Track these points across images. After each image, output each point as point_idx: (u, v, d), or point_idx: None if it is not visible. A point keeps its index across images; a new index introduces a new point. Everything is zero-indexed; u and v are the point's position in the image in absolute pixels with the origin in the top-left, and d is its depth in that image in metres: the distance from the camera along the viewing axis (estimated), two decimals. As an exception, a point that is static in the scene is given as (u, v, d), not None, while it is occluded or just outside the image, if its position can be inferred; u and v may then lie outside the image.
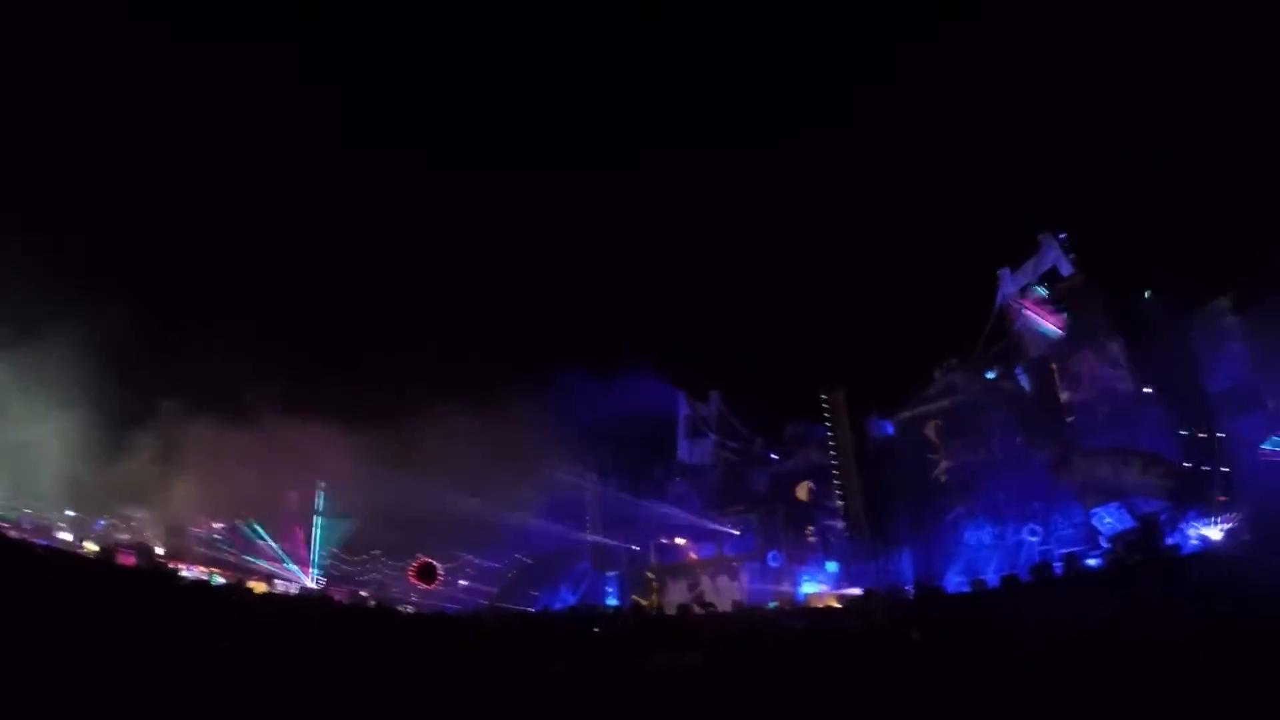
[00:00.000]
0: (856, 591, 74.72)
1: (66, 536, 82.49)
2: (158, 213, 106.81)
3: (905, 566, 78.27)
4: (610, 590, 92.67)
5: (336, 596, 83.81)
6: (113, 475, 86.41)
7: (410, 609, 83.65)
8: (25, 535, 78.95)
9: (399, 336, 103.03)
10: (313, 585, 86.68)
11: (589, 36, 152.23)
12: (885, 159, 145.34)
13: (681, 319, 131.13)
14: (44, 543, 77.65)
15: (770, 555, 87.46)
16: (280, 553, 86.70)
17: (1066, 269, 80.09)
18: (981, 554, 74.15)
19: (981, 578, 67.43)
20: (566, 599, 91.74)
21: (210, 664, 35.36)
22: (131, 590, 61.60)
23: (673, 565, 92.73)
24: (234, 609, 65.17)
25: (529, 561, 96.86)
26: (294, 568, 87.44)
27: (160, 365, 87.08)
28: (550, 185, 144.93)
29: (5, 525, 78.66)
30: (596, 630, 69.03)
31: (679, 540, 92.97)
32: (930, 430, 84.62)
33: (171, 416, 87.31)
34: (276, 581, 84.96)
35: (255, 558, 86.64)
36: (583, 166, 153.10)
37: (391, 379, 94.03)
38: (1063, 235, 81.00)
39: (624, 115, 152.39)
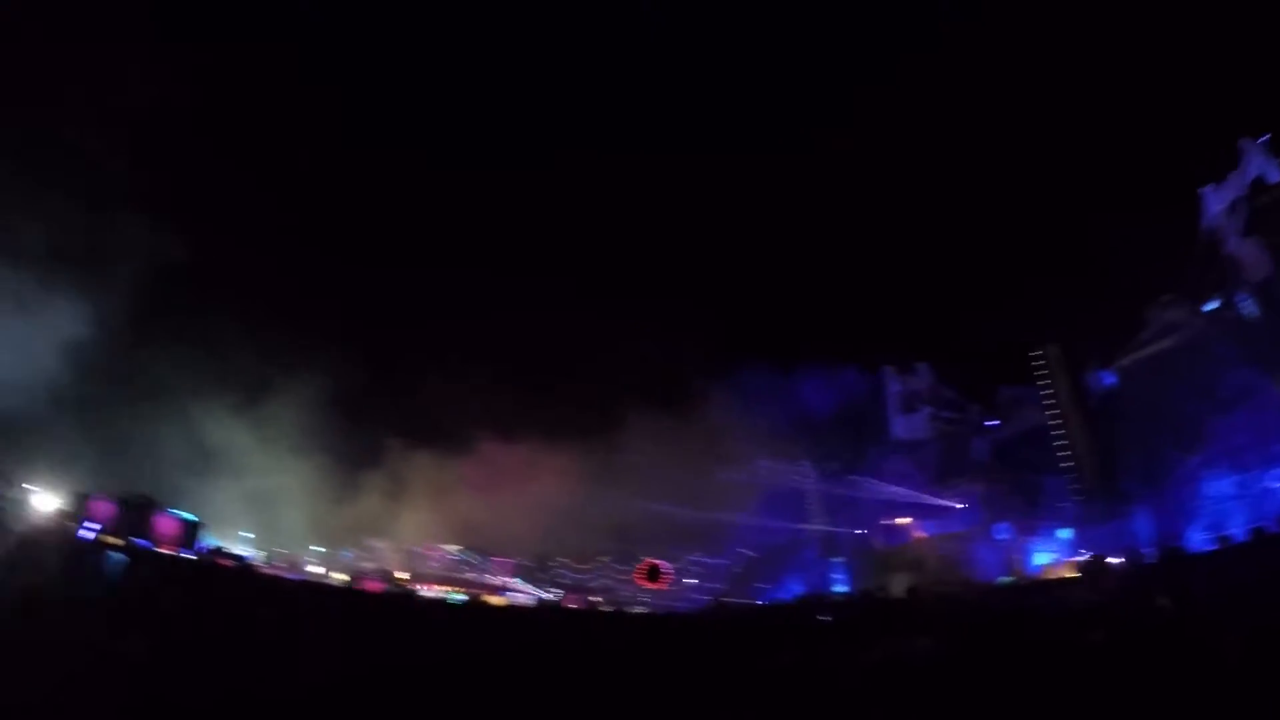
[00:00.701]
0: (1091, 558, 69.37)
1: (317, 569, 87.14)
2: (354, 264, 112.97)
3: (1143, 526, 71.77)
4: (838, 577, 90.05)
5: (571, 604, 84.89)
6: (352, 511, 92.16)
7: (641, 610, 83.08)
8: (278, 571, 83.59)
9: (593, 354, 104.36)
10: (547, 595, 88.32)
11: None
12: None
13: (871, 298, 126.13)
14: (295, 576, 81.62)
15: (998, 527, 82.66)
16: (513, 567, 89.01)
17: (1276, 174, 71.59)
18: (1224, 506, 67.12)
19: (1227, 533, 61.30)
20: (794, 589, 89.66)
21: (524, 677, 35.43)
22: (377, 612, 63.66)
23: (899, 547, 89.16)
24: (474, 623, 66.32)
25: (754, 556, 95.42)
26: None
27: (382, 406, 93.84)
28: (709, 181, 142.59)
29: (260, 564, 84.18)
30: (827, 619, 66.45)
31: (902, 520, 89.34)
32: (1153, 374, 77.78)
33: (398, 452, 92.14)
34: (512, 594, 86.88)
35: (490, 574, 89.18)
36: (746, 153, 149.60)
37: (593, 395, 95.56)
38: (1266, 137, 72.63)
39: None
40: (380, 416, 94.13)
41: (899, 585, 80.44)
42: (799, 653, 44.37)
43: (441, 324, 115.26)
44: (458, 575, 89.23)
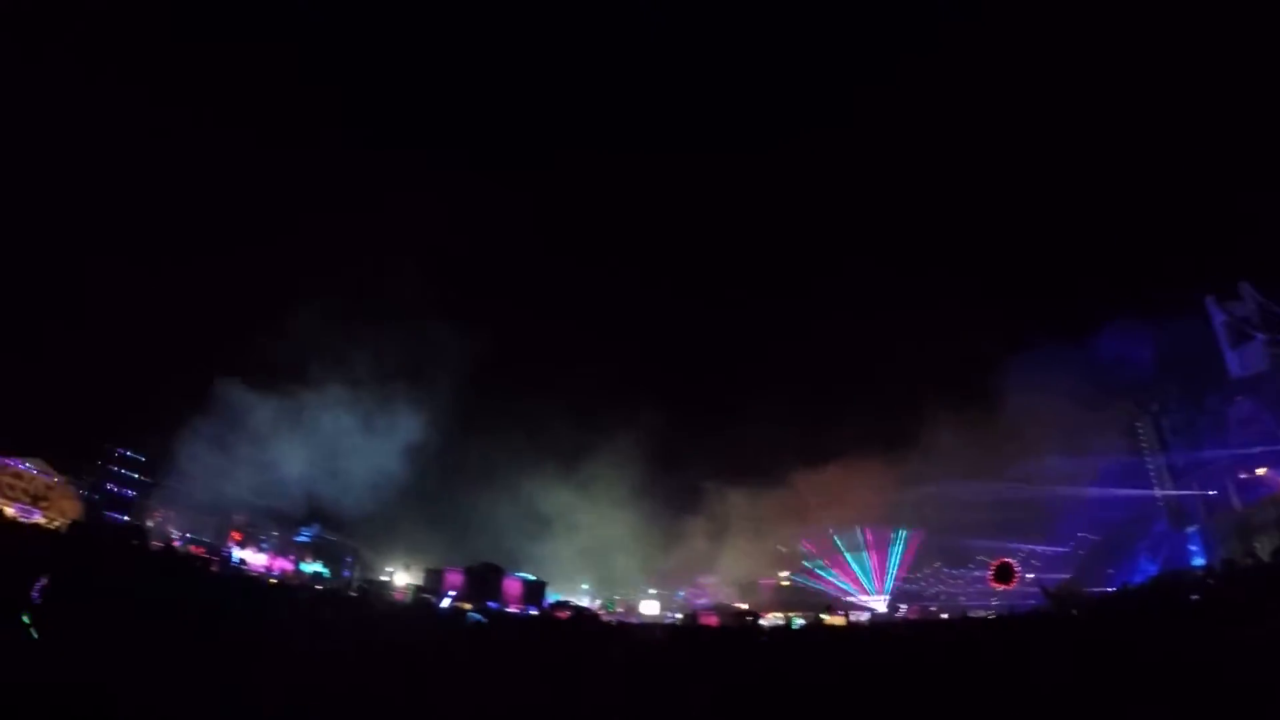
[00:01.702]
0: None
1: (651, 610, 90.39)
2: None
3: None
4: (1193, 549, 78.77)
5: (908, 615, 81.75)
6: (680, 552, 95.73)
7: (986, 613, 78.22)
8: (619, 618, 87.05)
9: (881, 359, 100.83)
10: (883, 609, 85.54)
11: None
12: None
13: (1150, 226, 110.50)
14: (635, 620, 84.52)
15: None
16: (845, 586, 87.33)
17: None
18: None
19: None
20: (1147, 569, 79.50)
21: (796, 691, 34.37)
22: (717, 644, 64.29)
23: (1260, 503, 76.09)
24: (813, 644, 65.36)
25: (1096, 539, 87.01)
26: (863, 597, 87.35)
27: (693, 450, 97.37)
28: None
29: (603, 612, 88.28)
30: (1194, 597, 58.15)
31: (1260, 470, 76.30)
32: None
33: (715, 492, 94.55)
34: (851, 613, 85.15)
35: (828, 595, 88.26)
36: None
37: (891, 400, 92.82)
38: None
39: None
40: (693, 460, 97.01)
41: (1267, 548, 69.06)
42: (1173, 637, 38.89)
43: (729, 360, 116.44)
44: (792, 600, 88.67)
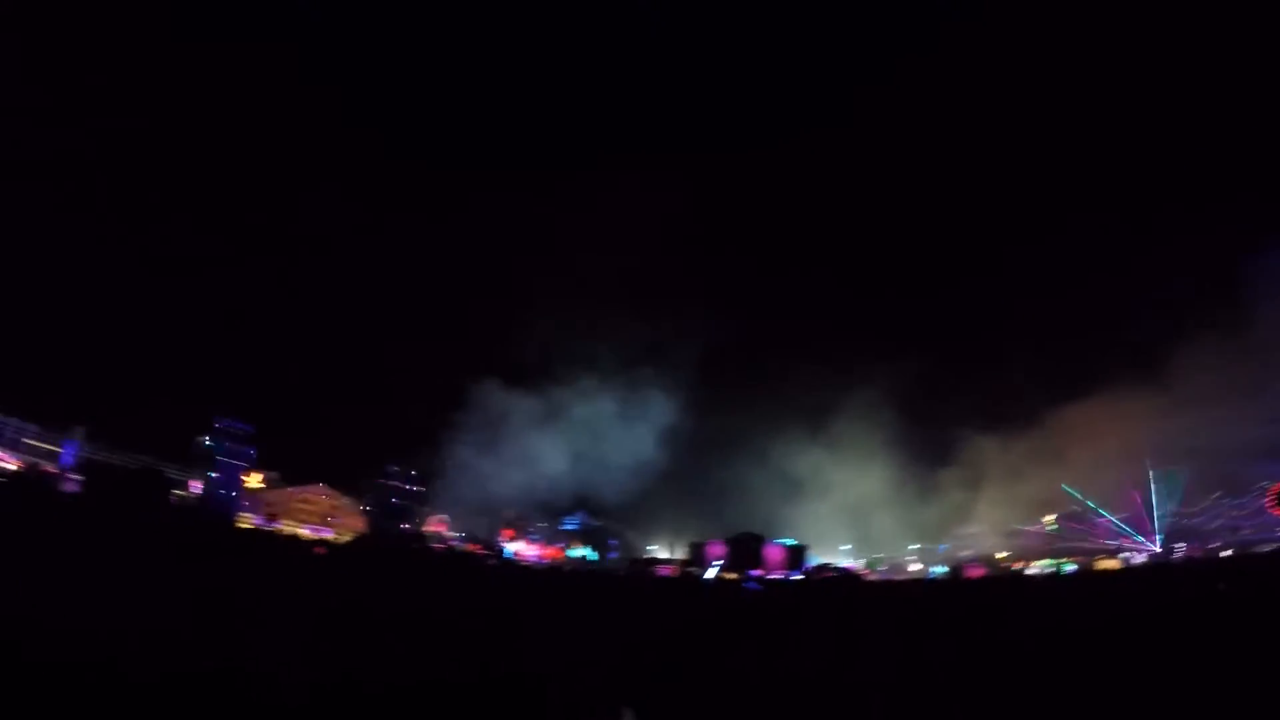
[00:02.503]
0: None
1: (915, 566, 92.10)
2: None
3: None
4: None
5: (1187, 554, 79.87)
6: (938, 505, 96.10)
7: (1271, 548, 74.39)
8: (884, 576, 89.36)
9: (1126, 294, 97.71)
10: (1157, 550, 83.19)
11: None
12: None
13: None
14: (898, 578, 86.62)
15: None
16: (1122, 527, 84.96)
17: None
18: None
19: None
20: None
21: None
22: (985, 594, 63.88)
23: None
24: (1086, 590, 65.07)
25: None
26: (1140, 538, 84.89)
27: (941, 401, 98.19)
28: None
29: (867, 571, 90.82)
30: None
31: None
32: None
33: (968, 441, 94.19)
34: (1123, 555, 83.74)
35: (1097, 539, 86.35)
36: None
37: (1137, 335, 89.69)
38: None
39: None
40: (944, 411, 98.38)
41: None
42: None
43: (975, 310, 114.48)
44: (1060, 545, 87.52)
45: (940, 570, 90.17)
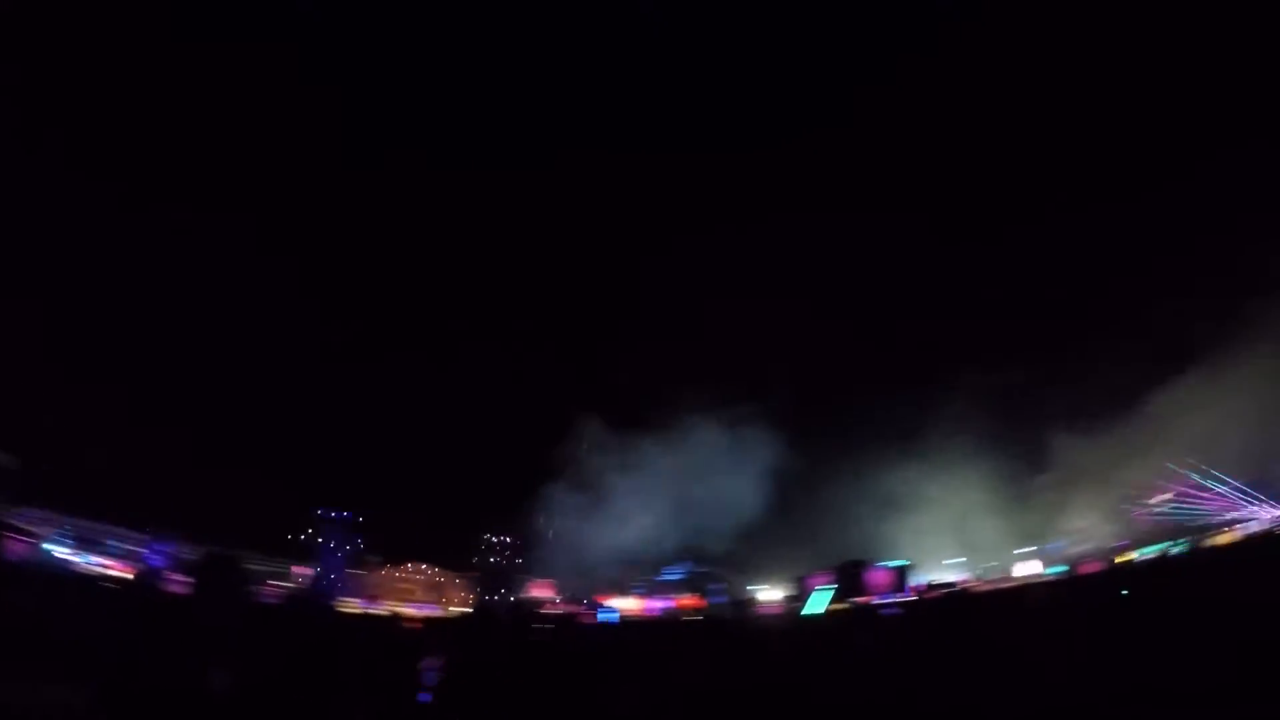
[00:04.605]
0: None
1: (1031, 568, 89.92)
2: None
3: None
4: None
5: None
6: (1040, 505, 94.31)
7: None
8: (995, 585, 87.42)
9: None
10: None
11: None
12: None
13: None
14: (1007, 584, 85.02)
15: None
16: (1249, 492, 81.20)
17: None
18: None
19: None
20: None
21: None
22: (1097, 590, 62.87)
23: None
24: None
25: None
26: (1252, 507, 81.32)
27: (1034, 400, 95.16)
28: None
29: (978, 582, 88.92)
30: None
31: None
32: None
33: (1062, 437, 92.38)
34: (1243, 526, 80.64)
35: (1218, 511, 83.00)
36: None
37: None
38: None
39: None
40: (1036, 410, 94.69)
41: None
42: None
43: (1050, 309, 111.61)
44: (1172, 528, 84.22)
45: (1058, 570, 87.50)
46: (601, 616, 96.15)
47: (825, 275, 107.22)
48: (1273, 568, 51.57)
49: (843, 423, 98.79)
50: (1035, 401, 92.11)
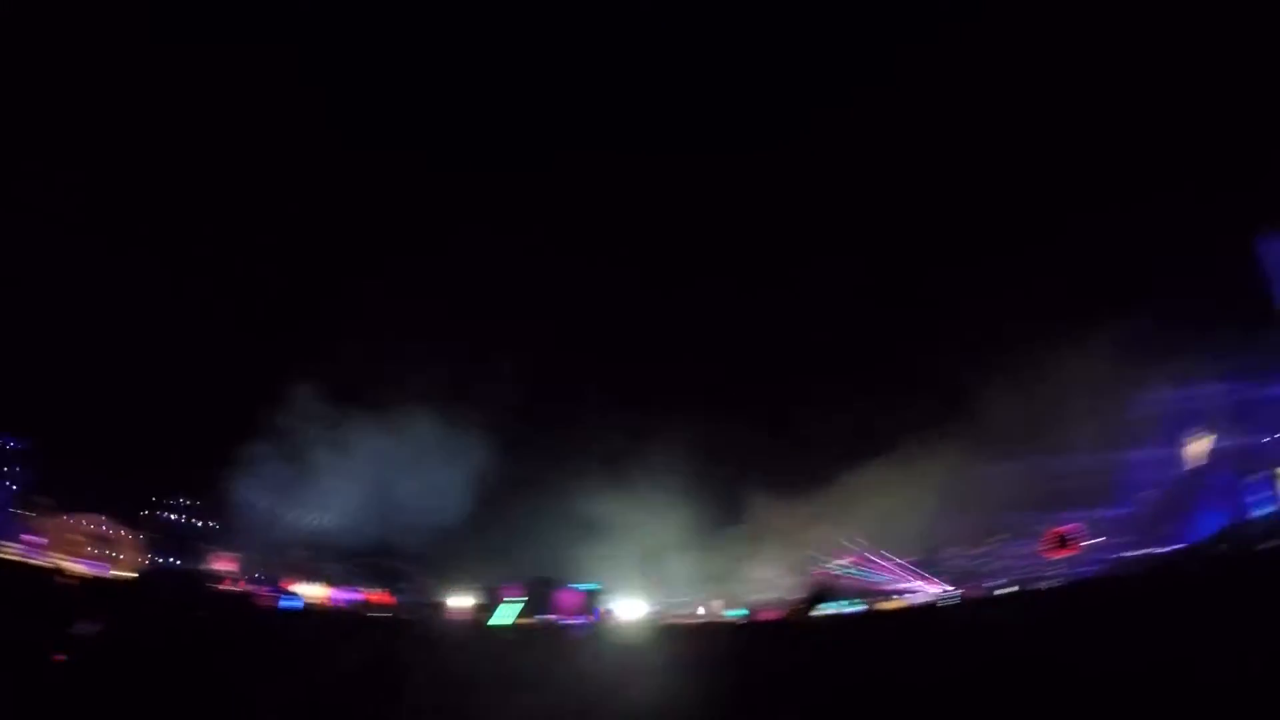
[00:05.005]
0: None
1: (713, 607, 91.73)
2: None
3: None
4: (1263, 496, 75.87)
5: (966, 594, 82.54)
6: (729, 552, 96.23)
7: (1047, 585, 77.08)
8: (679, 619, 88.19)
9: (926, 336, 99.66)
10: (943, 589, 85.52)
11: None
12: None
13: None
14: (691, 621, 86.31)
15: None
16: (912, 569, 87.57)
17: None
18: None
19: None
20: (1213, 523, 77.04)
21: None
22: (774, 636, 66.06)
23: None
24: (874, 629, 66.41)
25: (1158, 495, 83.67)
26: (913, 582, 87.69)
27: (737, 449, 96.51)
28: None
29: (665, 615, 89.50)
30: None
31: None
32: None
33: (760, 493, 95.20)
34: (908, 595, 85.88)
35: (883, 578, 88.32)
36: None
37: (941, 378, 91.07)
38: None
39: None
40: (737, 459, 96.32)
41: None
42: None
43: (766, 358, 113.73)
44: (848, 587, 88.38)
45: (739, 613, 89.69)
46: (284, 603, 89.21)
47: (570, 298, 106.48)
48: (936, 635, 53.66)
49: (558, 441, 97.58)
50: (740, 458, 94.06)
